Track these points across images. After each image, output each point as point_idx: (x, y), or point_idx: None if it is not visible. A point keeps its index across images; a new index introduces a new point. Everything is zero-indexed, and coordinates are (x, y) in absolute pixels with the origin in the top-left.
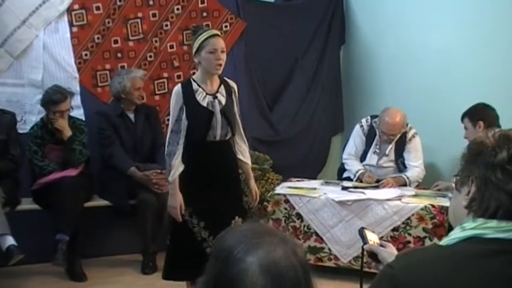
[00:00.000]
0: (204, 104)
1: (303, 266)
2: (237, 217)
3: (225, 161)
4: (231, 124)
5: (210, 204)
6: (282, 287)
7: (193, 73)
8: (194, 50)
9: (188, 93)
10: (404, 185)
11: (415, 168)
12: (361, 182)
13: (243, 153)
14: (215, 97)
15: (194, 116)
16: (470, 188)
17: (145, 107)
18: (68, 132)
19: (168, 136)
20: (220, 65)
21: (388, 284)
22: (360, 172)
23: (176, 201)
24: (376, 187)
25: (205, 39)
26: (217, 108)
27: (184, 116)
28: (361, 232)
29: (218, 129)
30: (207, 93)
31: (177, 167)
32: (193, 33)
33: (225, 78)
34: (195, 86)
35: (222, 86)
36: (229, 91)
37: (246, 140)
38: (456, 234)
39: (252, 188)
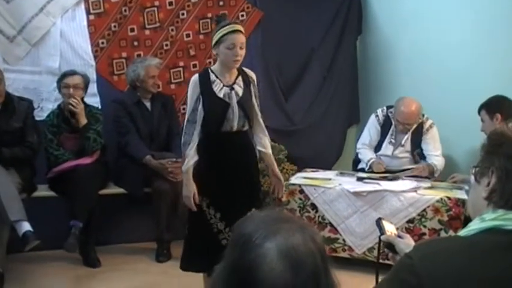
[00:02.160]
0: (221, 95)
1: (321, 253)
2: (253, 209)
3: (242, 152)
4: (247, 116)
5: (227, 195)
6: (300, 272)
7: (209, 62)
8: (213, 41)
9: (205, 84)
10: (433, 172)
11: (437, 157)
12: (373, 171)
13: (264, 144)
14: (232, 88)
15: (210, 107)
16: (490, 179)
17: (162, 95)
18: (83, 120)
19: (184, 125)
20: (238, 60)
21: (407, 274)
22: (371, 161)
23: (190, 190)
24: (393, 179)
25: (226, 34)
26: (234, 100)
27: (200, 106)
28: (379, 222)
29: (234, 120)
30: (224, 85)
31: (191, 156)
32: (216, 22)
33: (243, 68)
34: (212, 76)
35: (240, 77)
36: (247, 82)
37: (266, 131)
38: (475, 225)
39: (277, 175)
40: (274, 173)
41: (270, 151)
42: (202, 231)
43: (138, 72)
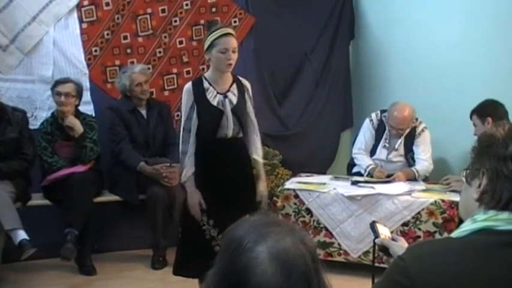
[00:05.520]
0: (215, 103)
1: (311, 255)
2: (247, 216)
3: (236, 158)
4: (242, 124)
5: (220, 202)
6: (291, 274)
7: (203, 69)
8: (206, 46)
9: (199, 92)
10: (414, 178)
11: (423, 161)
12: (372, 177)
13: (259, 153)
14: (226, 96)
15: (204, 114)
16: (481, 181)
17: (158, 102)
18: (79, 129)
19: (181, 134)
20: (231, 64)
21: (400, 276)
22: (370, 167)
23: (194, 198)
24: (386, 182)
25: (218, 37)
26: (228, 108)
27: (195, 114)
28: (373, 226)
29: (229, 128)
30: (218, 92)
31: (190, 166)
32: (207, 28)
33: (238, 77)
34: (206, 84)
35: (235, 85)
36: (242, 90)
37: (260, 138)
38: (467, 226)
39: (258, 189)
40: (259, 186)
41: (261, 160)
42: (194, 237)
43: (123, 82)
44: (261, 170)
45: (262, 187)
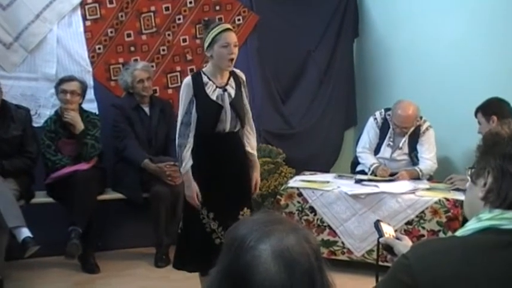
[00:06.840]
0: (214, 97)
1: (315, 252)
2: (245, 208)
3: (234, 152)
4: (240, 117)
5: (219, 195)
6: (295, 272)
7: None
8: (206, 44)
9: (198, 86)
10: (417, 177)
11: (427, 161)
12: (375, 175)
13: (252, 145)
14: (225, 90)
15: (203, 109)
16: (486, 180)
17: (161, 100)
18: (80, 126)
19: (178, 128)
20: (232, 59)
21: (403, 274)
22: (374, 166)
23: (192, 190)
24: (390, 180)
25: (219, 33)
26: (227, 102)
27: (194, 108)
28: (377, 225)
29: (227, 122)
30: (217, 86)
31: (188, 159)
32: (204, 27)
33: (233, 69)
34: (205, 78)
35: (232, 79)
36: (238, 83)
37: (254, 131)
38: (472, 225)
39: (252, 178)
40: (254, 176)
41: (255, 152)
42: (195, 231)
43: (125, 79)
44: (255, 161)
45: (256, 175)
